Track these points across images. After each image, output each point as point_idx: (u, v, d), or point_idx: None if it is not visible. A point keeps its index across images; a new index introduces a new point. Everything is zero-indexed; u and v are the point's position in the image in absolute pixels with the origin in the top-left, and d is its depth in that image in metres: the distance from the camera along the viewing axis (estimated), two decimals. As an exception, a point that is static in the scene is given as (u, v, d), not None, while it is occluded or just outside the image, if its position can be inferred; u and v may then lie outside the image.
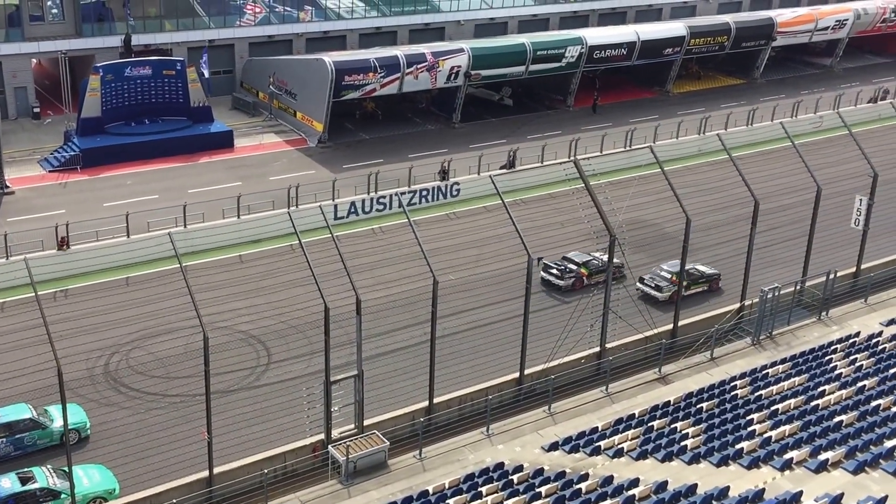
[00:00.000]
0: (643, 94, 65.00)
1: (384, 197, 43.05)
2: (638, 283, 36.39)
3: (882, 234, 37.21)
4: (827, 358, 28.90)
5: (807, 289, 33.88)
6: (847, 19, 70.88)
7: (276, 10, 60.51)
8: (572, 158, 37.70)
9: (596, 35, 61.03)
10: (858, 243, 36.10)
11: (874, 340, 30.01)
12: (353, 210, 42.43)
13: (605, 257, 32.55)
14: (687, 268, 33.52)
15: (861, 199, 35.27)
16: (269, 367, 31.09)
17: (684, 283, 33.82)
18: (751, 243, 33.03)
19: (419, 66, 53.34)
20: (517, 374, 29.48)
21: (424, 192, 44.26)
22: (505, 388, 29.00)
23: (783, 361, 28.99)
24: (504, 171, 46.48)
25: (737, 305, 33.51)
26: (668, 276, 35.81)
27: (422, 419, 26.25)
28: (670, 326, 32.48)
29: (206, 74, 52.87)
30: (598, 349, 30.96)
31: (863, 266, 36.09)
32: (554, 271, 36.54)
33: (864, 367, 27.67)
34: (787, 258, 36.75)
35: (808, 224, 34.23)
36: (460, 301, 33.67)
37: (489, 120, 57.93)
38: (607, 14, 71.90)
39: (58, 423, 26.31)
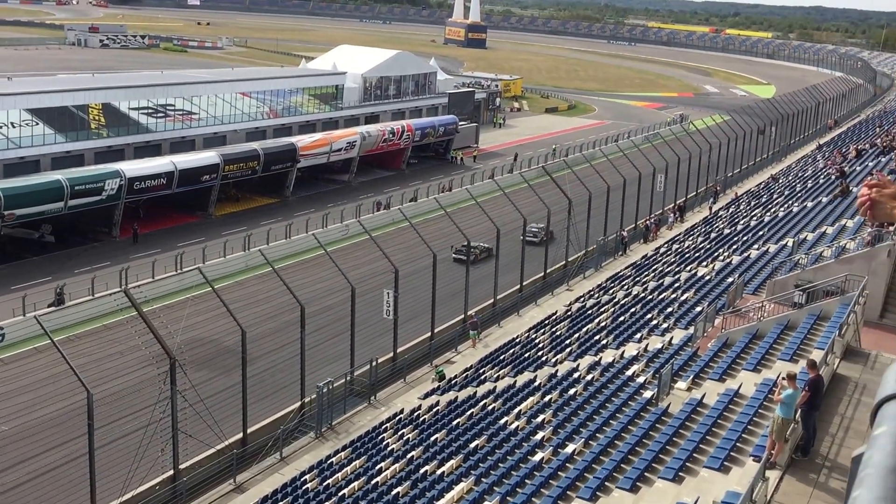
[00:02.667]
0: (188, 219, 64.21)
1: (-87, 354, 36.71)
2: (521, 235, 47.73)
3: (408, 320, 40.44)
4: (380, 437, 30.22)
5: (356, 378, 35.42)
6: (355, 141, 77.54)
7: None
8: (122, 288, 35.63)
9: (134, 167, 59.24)
10: (392, 331, 38.84)
11: (415, 414, 32.13)
12: None
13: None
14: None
15: (388, 293, 38.13)
16: None
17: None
18: (302, 345, 33.76)
19: (-57, 210, 47.07)
20: (89, 517, 26.50)
21: (-37, 343, 38.58)
22: (77, 534, 25.85)
23: (344, 448, 29.70)
24: (52, 308, 42.36)
25: (297, 404, 33.83)
26: (537, 230, 53.51)
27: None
28: (241, 436, 31.68)
29: None
30: (172, 472, 29.06)
31: (398, 350, 38.78)
32: (463, 254, 46.17)
33: (410, 440, 29.37)
34: (337, 353, 38.13)
35: (349, 321, 35.99)
36: (19, 451, 29.59)
37: (31, 259, 52.76)
38: (142, 147, 70.30)
39: None
